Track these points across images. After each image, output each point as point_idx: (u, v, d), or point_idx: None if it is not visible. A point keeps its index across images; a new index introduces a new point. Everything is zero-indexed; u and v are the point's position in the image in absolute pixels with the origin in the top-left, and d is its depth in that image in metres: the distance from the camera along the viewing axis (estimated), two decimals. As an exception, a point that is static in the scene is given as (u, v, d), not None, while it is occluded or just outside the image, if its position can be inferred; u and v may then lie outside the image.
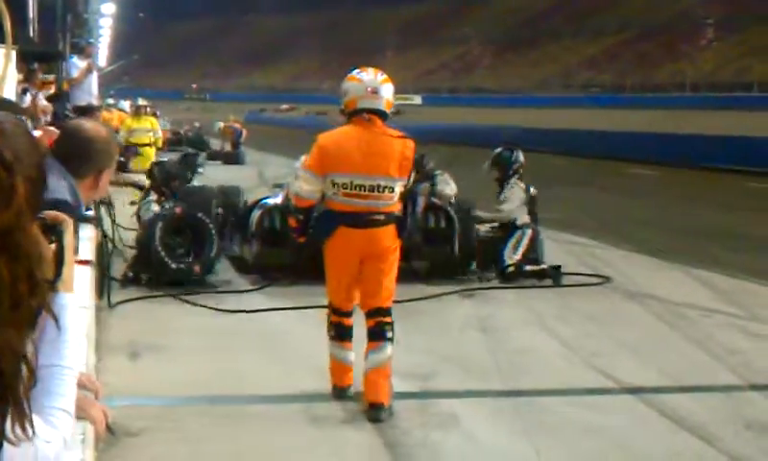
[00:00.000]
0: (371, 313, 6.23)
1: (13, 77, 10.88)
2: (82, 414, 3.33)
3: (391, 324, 6.23)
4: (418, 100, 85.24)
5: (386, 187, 6.08)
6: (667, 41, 77.75)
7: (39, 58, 14.72)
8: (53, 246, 1.93)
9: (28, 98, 12.22)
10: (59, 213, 2.02)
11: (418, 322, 8.61)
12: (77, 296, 2.00)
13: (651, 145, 31.67)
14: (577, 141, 35.84)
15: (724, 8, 77.12)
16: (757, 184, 22.21)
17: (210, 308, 8.72)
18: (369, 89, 6.13)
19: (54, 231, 1.97)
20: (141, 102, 19.41)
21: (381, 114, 6.16)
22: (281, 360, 7.32)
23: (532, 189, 11.03)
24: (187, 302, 8.75)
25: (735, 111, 48.24)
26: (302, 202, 6.31)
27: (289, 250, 10.05)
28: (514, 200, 10.80)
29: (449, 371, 7.09)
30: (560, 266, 10.54)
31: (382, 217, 6.12)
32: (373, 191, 6.07)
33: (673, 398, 6.52)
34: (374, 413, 5.99)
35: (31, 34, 13.17)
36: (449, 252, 10.48)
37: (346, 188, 6.07)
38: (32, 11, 13.20)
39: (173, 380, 6.81)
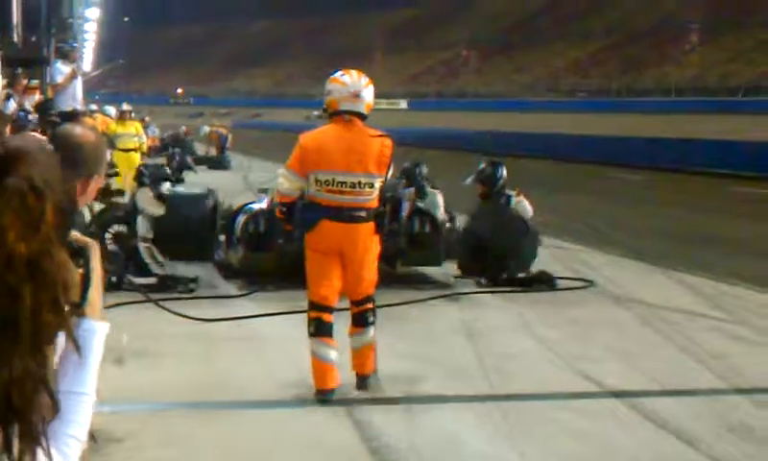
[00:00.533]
0: (354, 303, 6.57)
1: (-2, 82, 10.87)
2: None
3: (373, 309, 6.59)
4: (404, 104, 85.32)
5: (366, 184, 6.34)
6: (653, 46, 78.00)
7: (23, 63, 14.71)
8: (80, 270, 1.92)
9: (11, 104, 12.20)
10: (86, 238, 2.01)
11: (404, 326, 8.62)
12: (103, 324, 1.98)
13: (636, 149, 31.76)
14: (563, 145, 35.92)
15: (709, 12, 77.45)
16: (743, 188, 22.30)
17: (190, 318, 8.56)
18: (351, 92, 6.39)
19: (81, 255, 1.97)
20: (125, 107, 19.35)
21: (361, 116, 6.41)
22: (268, 364, 7.32)
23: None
24: (168, 310, 8.65)
25: (721, 115, 48.41)
26: (284, 198, 6.58)
27: (274, 254, 10.07)
28: (528, 211, 10.80)
29: (435, 375, 7.09)
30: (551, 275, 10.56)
31: (363, 213, 6.39)
32: (354, 188, 6.32)
33: (657, 401, 6.54)
34: (362, 382, 6.56)
35: (15, 39, 13.16)
36: (434, 257, 10.51)
37: (328, 185, 6.32)
38: (15, 16, 13.19)
39: (159, 385, 6.79)
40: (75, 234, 1.98)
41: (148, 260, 10.05)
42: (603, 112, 59.02)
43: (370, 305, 6.58)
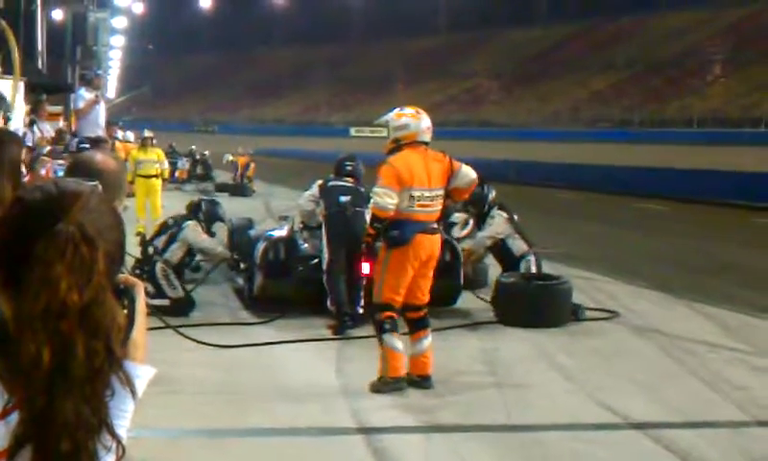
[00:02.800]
0: (417, 307, 7.45)
1: (21, 108, 10.96)
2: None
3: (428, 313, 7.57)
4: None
5: (439, 196, 7.38)
6: (675, 77, 77.90)
7: (48, 89, 14.82)
8: (125, 311, 1.86)
9: (36, 130, 12.28)
10: (133, 278, 1.98)
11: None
12: (148, 368, 1.89)
13: (659, 180, 31.65)
14: (585, 175, 35.84)
15: (731, 44, 77.33)
16: (766, 220, 22.15)
17: (209, 345, 8.55)
18: (427, 127, 7.51)
19: (126, 295, 1.90)
20: (147, 133, 19.42)
21: (427, 144, 7.52)
22: (287, 392, 7.30)
23: (515, 216, 11.01)
24: (186, 336, 8.66)
25: (743, 147, 48.21)
26: (384, 213, 7.25)
27: (294, 281, 10.08)
28: (497, 225, 10.77)
29: (453, 405, 7.06)
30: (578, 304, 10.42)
31: (437, 225, 7.51)
32: (433, 201, 7.34)
33: (679, 433, 6.48)
34: (426, 382, 7.37)
35: (39, 66, 13.27)
36: (454, 285, 10.44)
37: (420, 201, 7.26)
38: (41, 43, 13.31)
39: (176, 412, 6.77)
40: (123, 276, 1.93)
41: (162, 282, 10.09)
42: (625, 143, 58.88)
43: (427, 310, 7.52)
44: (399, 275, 7.28)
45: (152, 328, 8.85)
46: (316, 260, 10.04)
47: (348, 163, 10.30)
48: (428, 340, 7.46)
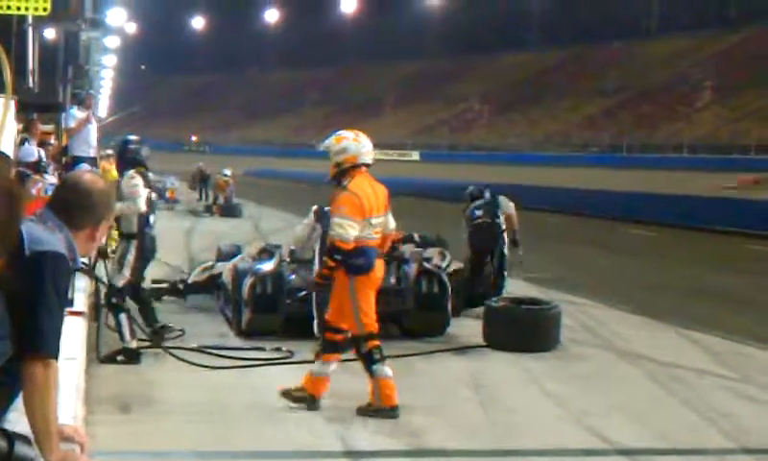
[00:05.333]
0: (341, 330, 7.41)
1: (12, 127, 10.93)
2: (65, 468, 3.32)
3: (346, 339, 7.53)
4: (416, 156, 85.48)
5: (383, 222, 7.47)
6: (665, 103, 78.18)
7: (39, 108, 14.80)
8: None
9: (26, 148, 12.26)
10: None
11: (409, 378, 8.57)
12: None
13: (648, 205, 31.77)
14: (575, 200, 35.94)
15: (720, 71, 77.68)
16: (755, 247, 22.25)
17: (197, 365, 8.54)
18: (366, 150, 7.49)
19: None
20: (113, 151, 19.32)
21: (368, 166, 7.51)
22: (273, 414, 7.29)
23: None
24: (176, 357, 8.67)
25: (733, 173, 48.40)
26: (346, 245, 7.23)
27: (281, 315, 10.06)
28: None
29: (440, 428, 7.06)
30: None
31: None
32: (381, 226, 7.44)
33: (665, 459, 6.50)
34: (314, 405, 7.32)
35: (30, 84, 13.26)
36: (440, 318, 10.46)
37: (376, 227, 7.36)
38: (32, 62, 13.31)
39: (163, 434, 6.76)
40: None
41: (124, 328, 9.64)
42: (615, 168, 59.06)
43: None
44: (368, 300, 7.35)
45: (142, 348, 8.86)
46: (304, 293, 10.01)
47: None
48: (334, 366, 7.47)
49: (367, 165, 7.49)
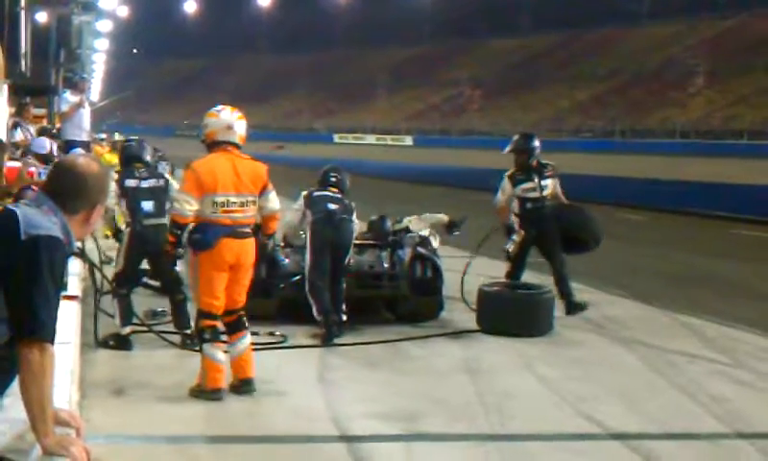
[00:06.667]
0: (233, 311, 7.40)
1: (4, 110, 10.90)
2: (63, 452, 3.32)
3: (246, 314, 7.49)
4: (409, 141, 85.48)
5: (251, 202, 7.36)
6: (657, 88, 78.23)
7: (31, 92, 14.75)
8: None
9: (18, 133, 12.22)
10: None
11: (403, 363, 8.60)
12: None
13: (640, 190, 31.80)
14: (567, 185, 35.98)
15: (712, 56, 77.73)
16: (747, 232, 22.27)
17: (190, 349, 8.52)
18: (225, 125, 7.42)
19: None
20: (118, 137, 19.33)
21: (236, 145, 7.42)
22: (269, 400, 7.29)
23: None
24: (169, 342, 8.69)
25: (725, 159, 48.47)
26: (183, 219, 7.31)
27: (276, 301, 10.03)
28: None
29: (435, 413, 7.07)
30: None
31: (249, 229, 7.42)
32: (243, 206, 7.30)
33: (659, 444, 6.51)
34: (247, 386, 7.32)
35: (23, 68, 13.23)
36: (435, 303, 10.46)
37: (224, 206, 7.21)
38: (24, 45, 13.27)
39: (158, 419, 6.76)
40: None
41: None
42: (607, 153, 59.10)
43: (243, 311, 7.48)
44: (212, 279, 7.25)
45: (135, 332, 8.85)
46: (298, 278, 10.00)
47: (332, 174, 10.21)
48: (246, 341, 7.42)
49: (231, 144, 7.38)
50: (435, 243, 10.99)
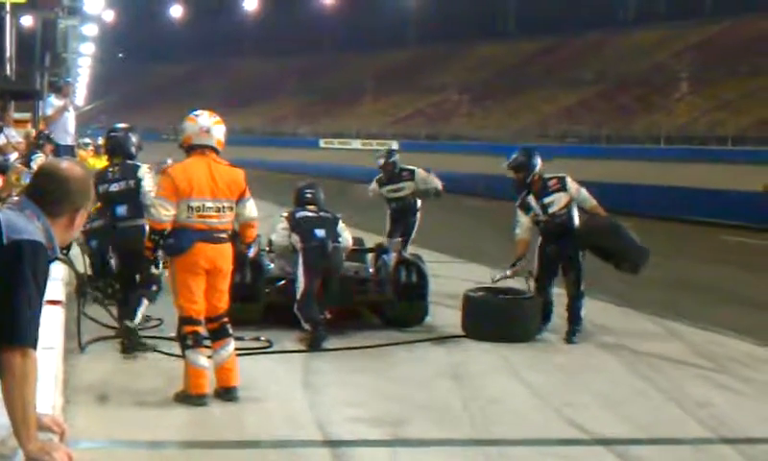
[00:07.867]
0: (215, 318, 7.34)
1: (-11, 115, 10.85)
2: (46, 457, 3.31)
3: (229, 321, 7.41)
4: (395, 146, 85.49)
5: (227, 207, 7.31)
6: (642, 94, 78.38)
7: (16, 96, 14.70)
8: None
9: (1, 137, 12.17)
10: None
11: (389, 368, 8.60)
12: None
13: (626, 196, 31.86)
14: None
15: (697, 62, 77.97)
16: (731, 238, 22.35)
17: (175, 356, 8.47)
18: (202, 129, 7.38)
19: None
20: (102, 141, 19.24)
21: (214, 150, 7.38)
22: (255, 405, 7.27)
23: None
24: (154, 349, 8.68)
25: (709, 164, 48.61)
26: (160, 225, 7.27)
27: (260, 305, 10.00)
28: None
29: (420, 418, 7.06)
30: None
31: (225, 234, 7.36)
32: (218, 211, 7.25)
33: (644, 450, 6.53)
34: (230, 395, 7.25)
35: (8, 72, 13.19)
36: (421, 308, 10.46)
37: (199, 211, 7.18)
38: (9, 49, 13.23)
39: (143, 424, 6.74)
40: None
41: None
42: (592, 158, 59.22)
43: (227, 318, 7.40)
44: (189, 283, 7.21)
45: (114, 337, 8.81)
46: (283, 282, 9.98)
47: (307, 192, 10.21)
48: (229, 349, 7.36)
49: (208, 148, 7.35)
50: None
